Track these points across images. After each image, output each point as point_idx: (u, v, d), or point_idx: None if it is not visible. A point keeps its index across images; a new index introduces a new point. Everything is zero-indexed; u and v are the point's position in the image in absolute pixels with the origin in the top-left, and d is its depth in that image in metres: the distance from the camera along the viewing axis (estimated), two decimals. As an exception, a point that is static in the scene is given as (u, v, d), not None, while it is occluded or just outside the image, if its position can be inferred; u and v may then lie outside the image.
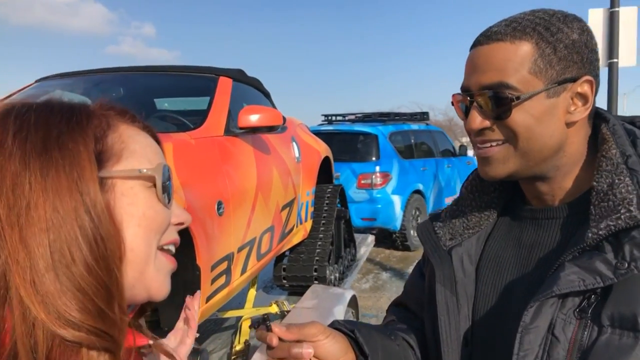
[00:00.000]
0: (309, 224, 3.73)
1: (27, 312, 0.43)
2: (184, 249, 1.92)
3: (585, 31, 0.69)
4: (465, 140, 18.00)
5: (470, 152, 8.64)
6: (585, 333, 0.61)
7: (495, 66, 0.67)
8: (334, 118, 8.27)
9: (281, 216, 2.99)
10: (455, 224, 0.82)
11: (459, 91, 0.73)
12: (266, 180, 2.70)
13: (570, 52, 0.67)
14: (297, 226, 3.43)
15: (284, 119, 3.62)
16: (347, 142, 7.18)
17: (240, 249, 2.40)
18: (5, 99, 0.56)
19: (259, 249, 2.67)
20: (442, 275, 0.78)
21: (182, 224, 0.57)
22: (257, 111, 2.49)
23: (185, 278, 1.97)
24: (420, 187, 7.43)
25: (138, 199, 0.51)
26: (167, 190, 0.54)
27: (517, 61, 0.67)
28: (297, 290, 3.65)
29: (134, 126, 0.56)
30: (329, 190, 4.05)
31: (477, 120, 0.70)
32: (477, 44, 0.71)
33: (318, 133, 6.64)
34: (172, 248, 0.57)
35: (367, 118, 8.14)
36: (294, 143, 3.48)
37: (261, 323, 0.65)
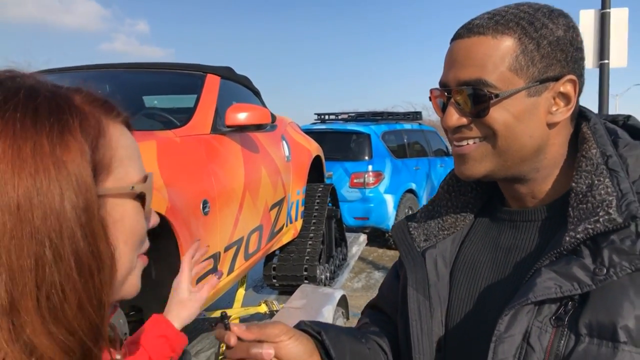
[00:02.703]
0: (299, 223, 3.70)
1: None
2: (169, 248, 1.89)
3: (571, 28, 0.66)
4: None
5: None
6: (562, 342, 0.58)
7: (475, 61, 0.65)
8: (327, 117, 8.24)
9: (270, 215, 2.97)
10: (430, 225, 0.79)
11: (437, 86, 0.71)
12: (254, 179, 2.67)
13: (554, 49, 0.64)
14: (287, 225, 3.40)
15: (274, 117, 3.59)
16: (339, 141, 7.16)
17: (227, 249, 2.37)
18: None
19: (247, 248, 2.64)
20: (415, 279, 0.75)
21: (152, 227, 0.55)
22: (244, 109, 2.46)
23: (171, 277, 1.94)
24: (413, 186, 7.42)
25: (127, 215, 0.48)
26: (149, 200, 0.51)
27: (498, 57, 0.64)
28: (287, 290, 3.62)
29: (117, 123, 0.50)
30: (320, 189, 4.02)
31: (454, 117, 0.67)
32: (457, 36, 0.68)
33: (311, 132, 6.61)
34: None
35: (360, 117, 8.11)
36: (283, 142, 3.45)
37: (219, 321, 0.62)
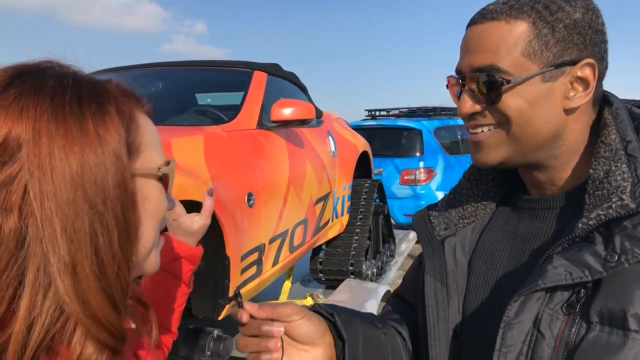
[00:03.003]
0: (345, 218, 3.72)
1: (58, 307, 0.43)
2: (214, 239, 1.96)
3: (590, 10, 0.64)
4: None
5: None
6: (573, 330, 0.57)
7: (488, 47, 0.64)
8: (377, 113, 8.19)
9: (315, 209, 3.00)
10: (451, 214, 0.79)
11: (454, 73, 0.70)
12: (299, 173, 2.71)
13: (571, 32, 0.63)
14: (332, 220, 3.43)
15: (320, 113, 3.62)
16: (390, 137, 7.09)
17: (271, 241, 2.43)
18: None
19: (292, 241, 2.69)
20: (433, 266, 0.75)
21: (170, 209, 0.59)
22: (289, 104, 2.50)
23: (216, 267, 2.02)
24: (466, 183, 7.24)
25: (151, 195, 0.53)
26: (170, 182, 0.56)
27: (511, 42, 0.63)
28: (333, 284, 3.65)
29: (143, 112, 0.56)
30: (367, 185, 4.02)
31: (468, 104, 0.67)
32: (472, 22, 0.67)
33: (360, 128, 6.60)
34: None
35: (411, 113, 8.00)
36: (330, 137, 3.47)
37: (233, 299, 0.65)
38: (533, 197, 0.73)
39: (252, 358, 0.64)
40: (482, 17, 0.66)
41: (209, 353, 1.70)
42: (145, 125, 0.54)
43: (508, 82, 0.63)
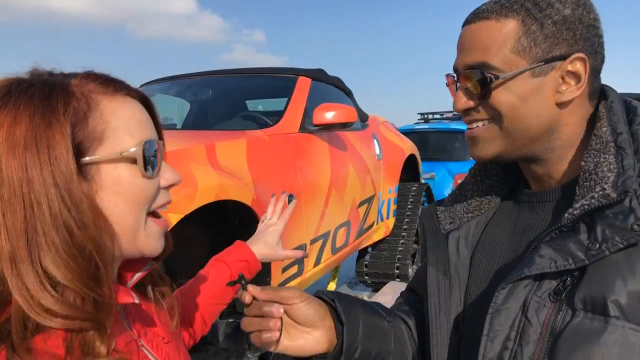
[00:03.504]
0: (391, 222, 3.73)
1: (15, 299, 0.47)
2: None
3: (581, 6, 0.65)
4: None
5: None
6: (559, 316, 0.59)
7: (480, 46, 0.67)
8: (430, 116, 8.08)
9: (358, 212, 3.04)
10: (457, 209, 0.81)
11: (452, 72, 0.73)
12: (341, 176, 2.76)
13: (560, 28, 0.64)
14: (377, 223, 3.45)
15: (366, 116, 3.66)
16: (444, 141, 6.97)
17: (313, 241, 2.49)
18: None
19: (334, 242, 2.74)
20: (436, 259, 0.78)
21: (173, 185, 0.62)
22: (331, 109, 2.56)
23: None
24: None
25: (122, 178, 0.55)
26: (151, 163, 0.57)
27: (501, 40, 0.65)
28: (379, 287, 3.66)
29: (117, 96, 0.56)
30: (414, 188, 4.00)
31: (462, 100, 0.70)
32: (466, 22, 0.70)
33: (413, 132, 6.55)
34: (165, 208, 0.62)
35: (466, 116, 7.83)
36: (375, 141, 3.50)
37: (237, 282, 0.71)
38: (533, 191, 0.74)
39: (255, 336, 0.70)
40: (475, 16, 0.69)
41: (247, 346, 1.78)
42: (116, 110, 0.55)
43: (497, 78, 0.65)
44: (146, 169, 0.56)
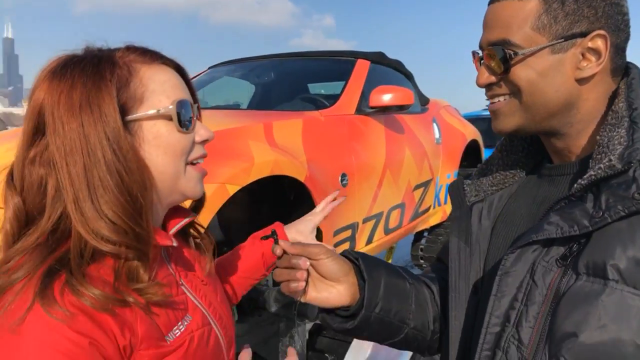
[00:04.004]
0: (449, 207, 3.70)
1: (74, 227, 0.59)
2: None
3: None
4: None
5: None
6: (564, 280, 0.62)
7: (501, 23, 0.70)
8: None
9: (413, 195, 3.06)
10: (482, 182, 0.85)
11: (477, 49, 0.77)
12: (396, 158, 2.80)
13: (581, 6, 0.66)
14: (434, 207, 3.44)
15: (426, 100, 3.64)
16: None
17: (365, 220, 2.56)
18: None
19: (387, 223, 2.79)
20: (459, 228, 0.82)
21: (206, 140, 0.71)
22: (387, 91, 2.60)
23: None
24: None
25: (161, 133, 0.65)
26: (185, 119, 0.67)
27: (522, 17, 0.68)
28: (434, 272, 3.67)
29: (153, 64, 0.66)
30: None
31: (484, 75, 0.73)
32: (490, 1, 0.73)
33: (479, 118, 6.38)
34: (201, 160, 0.72)
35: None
36: (434, 124, 3.48)
37: (270, 236, 0.80)
38: (554, 164, 0.77)
39: (284, 286, 0.79)
40: None
41: (295, 312, 1.89)
42: (153, 75, 0.65)
43: (517, 54, 0.69)
44: (180, 125, 0.66)
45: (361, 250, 2.66)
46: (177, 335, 0.66)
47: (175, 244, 0.70)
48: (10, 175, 0.64)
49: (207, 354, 0.71)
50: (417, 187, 3.10)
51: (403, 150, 2.90)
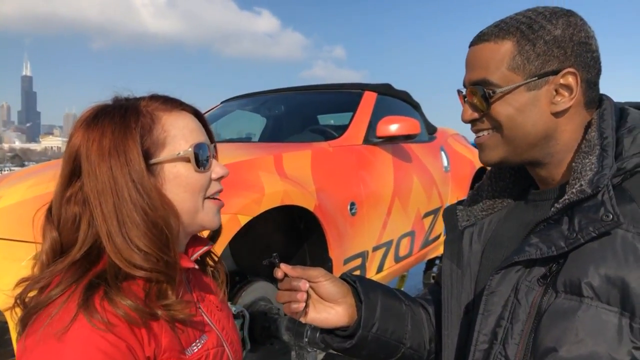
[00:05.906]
0: (459, 234, 3.71)
1: (108, 256, 0.67)
2: (318, 243, 2.20)
3: (572, 25, 0.73)
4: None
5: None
6: (545, 298, 0.67)
7: (480, 64, 0.77)
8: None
9: (423, 223, 3.09)
10: (473, 207, 0.90)
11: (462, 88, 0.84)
12: (405, 186, 2.85)
13: (551, 47, 0.72)
14: (444, 234, 3.46)
15: (434, 129, 3.71)
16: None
17: (375, 249, 2.59)
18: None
19: (397, 251, 2.82)
20: (451, 251, 0.87)
21: (222, 177, 0.78)
22: (394, 121, 2.67)
23: (321, 265, 2.25)
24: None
25: (180, 173, 0.72)
26: (202, 159, 0.74)
27: (498, 59, 0.75)
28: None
29: (174, 111, 0.74)
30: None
31: (468, 112, 0.80)
32: (471, 44, 0.80)
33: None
34: (217, 195, 0.79)
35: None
36: (442, 152, 3.54)
37: (271, 260, 0.85)
38: (538, 190, 0.82)
39: (285, 307, 0.84)
40: (478, 39, 0.79)
41: (306, 340, 1.92)
42: (173, 122, 0.73)
43: (495, 92, 0.75)
44: (198, 165, 0.74)
45: (373, 277, 2.70)
46: (194, 351, 0.72)
47: (196, 266, 0.77)
48: (49, 212, 0.72)
49: None
50: (427, 214, 3.13)
51: (411, 178, 2.95)
